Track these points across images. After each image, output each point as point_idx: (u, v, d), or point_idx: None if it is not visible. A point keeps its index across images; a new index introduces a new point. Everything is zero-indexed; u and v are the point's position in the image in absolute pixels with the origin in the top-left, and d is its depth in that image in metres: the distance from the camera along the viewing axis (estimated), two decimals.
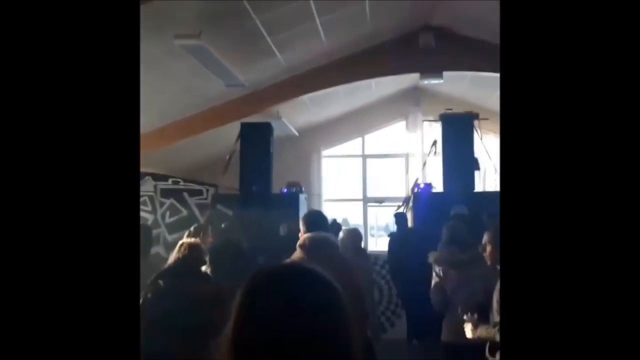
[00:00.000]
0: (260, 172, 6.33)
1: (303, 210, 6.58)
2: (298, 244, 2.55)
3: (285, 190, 6.64)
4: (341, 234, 4.61)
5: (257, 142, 6.39)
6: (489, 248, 2.58)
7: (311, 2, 5.50)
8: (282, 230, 5.52)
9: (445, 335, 3.23)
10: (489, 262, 2.62)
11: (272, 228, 5.66)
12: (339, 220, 6.57)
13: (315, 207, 10.15)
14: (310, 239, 2.49)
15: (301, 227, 2.68)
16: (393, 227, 6.25)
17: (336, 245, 2.59)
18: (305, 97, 7.67)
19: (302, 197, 6.65)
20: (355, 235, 4.55)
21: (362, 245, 5.13)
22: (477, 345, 2.67)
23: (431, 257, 3.32)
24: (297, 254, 2.51)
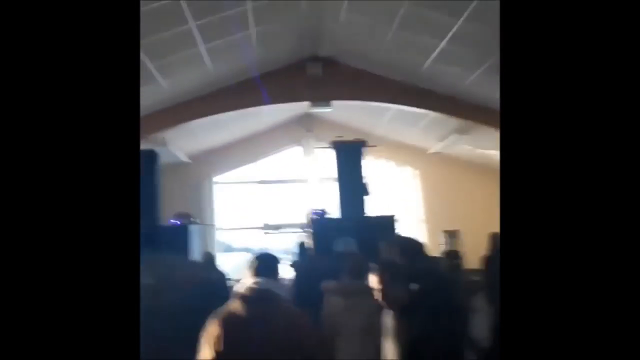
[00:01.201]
0: (145, 202, 5.80)
1: (195, 242, 6.13)
2: (237, 291, 2.12)
3: (173, 221, 6.16)
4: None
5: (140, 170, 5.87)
6: (377, 285, 2.43)
7: (193, 27, 5.30)
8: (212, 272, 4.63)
9: None
10: (378, 298, 2.46)
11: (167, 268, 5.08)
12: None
13: (209, 238, 9.71)
14: (253, 291, 2.08)
15: (247, 270, 2.24)
16: (295, 255, 5.99)
17: (281, 297, 2.19)
18: (193, 124, 7.36)
19: (193, 228, 6.20)
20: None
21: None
22: None
23: (323, 287, 3.12)
24: (236, 305, 2.08)
